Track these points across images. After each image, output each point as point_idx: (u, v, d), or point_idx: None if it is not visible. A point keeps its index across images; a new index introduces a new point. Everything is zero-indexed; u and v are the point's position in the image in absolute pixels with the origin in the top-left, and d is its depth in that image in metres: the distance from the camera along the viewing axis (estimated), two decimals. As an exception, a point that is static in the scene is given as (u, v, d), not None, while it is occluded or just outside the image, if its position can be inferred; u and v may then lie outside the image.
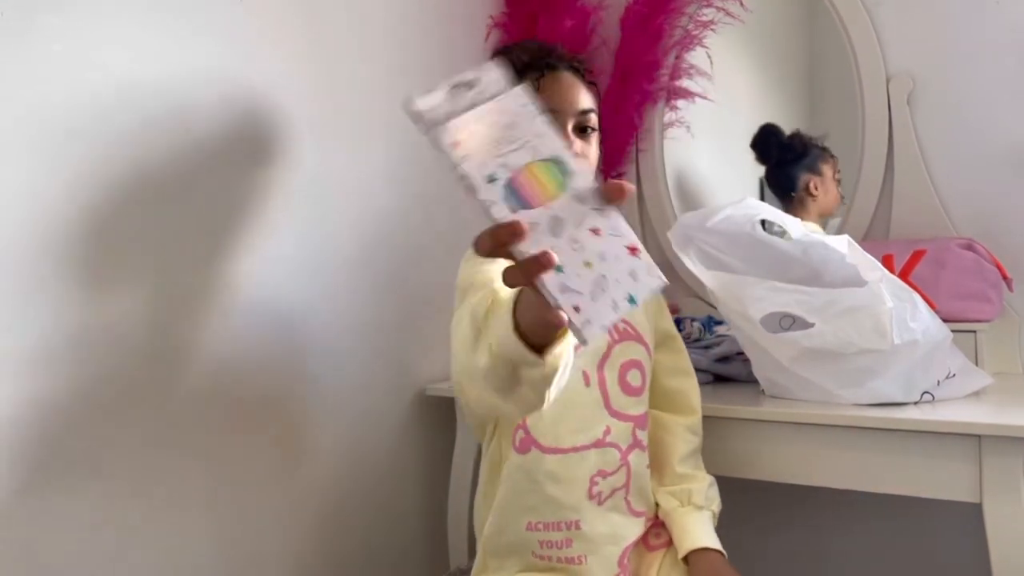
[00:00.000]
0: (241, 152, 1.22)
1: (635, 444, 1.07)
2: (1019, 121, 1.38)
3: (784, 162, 1.64)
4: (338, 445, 1.37)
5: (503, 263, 0.56)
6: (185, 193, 1.14)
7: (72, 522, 1.01)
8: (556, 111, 1.01)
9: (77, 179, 1.02)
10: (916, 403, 1.10)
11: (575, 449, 1.02)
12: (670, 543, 1.08)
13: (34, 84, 0.98)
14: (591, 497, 1.02)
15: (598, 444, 1.03)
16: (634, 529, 1.06)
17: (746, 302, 1.14)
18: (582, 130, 1.04)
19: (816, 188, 1.61)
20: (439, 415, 1.53)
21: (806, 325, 1.11)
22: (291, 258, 1.29)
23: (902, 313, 1.07)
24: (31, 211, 0.97)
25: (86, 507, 1.02)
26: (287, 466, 1.28)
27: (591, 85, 1.08)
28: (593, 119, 1.05)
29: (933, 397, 1.10)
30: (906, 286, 1.12)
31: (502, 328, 0.67)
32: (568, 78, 1.05)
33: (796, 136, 1.63)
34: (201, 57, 1.16)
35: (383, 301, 1.46)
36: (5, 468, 0.96)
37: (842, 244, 1.12)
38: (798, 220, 1.19)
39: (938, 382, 1.12)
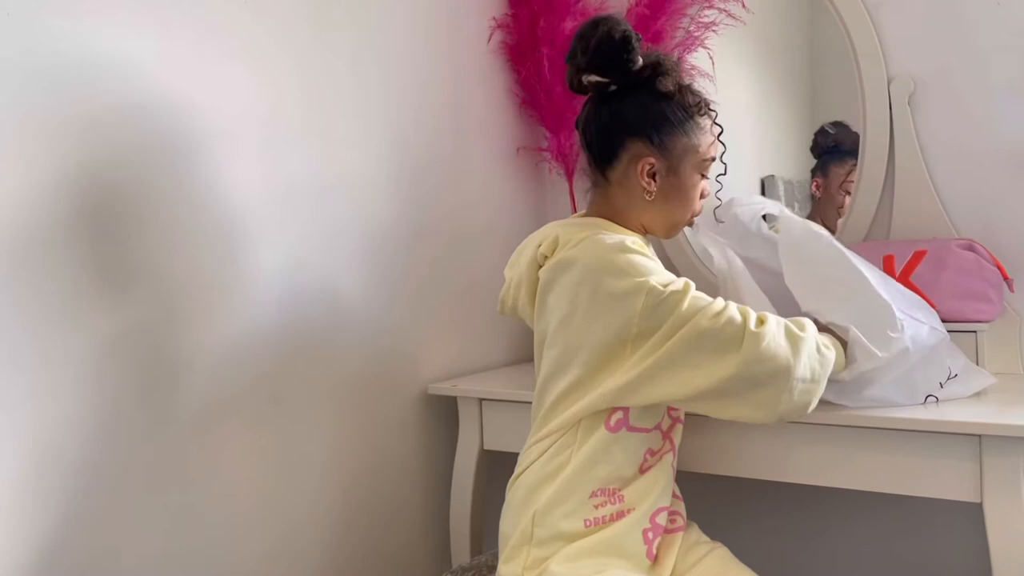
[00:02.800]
0: (243, 152, 1.23)
1: (675, 421, 1.13)
2: (1020, 122, 1.38)
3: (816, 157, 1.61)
4: (341, 443, 1.37)
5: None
6: (183, 194, 1.15)
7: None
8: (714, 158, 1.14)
9: (88, 179, 1.02)
10: (921, 405, 1.10)
11: (645, 430, 1.08)
12: (684, 527, 1.14)
13: (37, 86, 0.98)
14: (642, 471, 1.08)
15: (658, 427, 1.10)
16: (668, 494, 1.11)
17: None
18: None
19: (818, 189, 1.61)
20: (441, 414, 1.54)
21: None
22: (293, 258, 1.30)
23: (880, 327, 1.06)
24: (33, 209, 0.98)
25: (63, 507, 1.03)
26: (289, 464, 1.29)
27: None
28: None
29: (937, 399, 1.11)
30: (882, 295, 1.09)
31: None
32: None
33: (820, 132, 1.58)
34: (208, 58, 1.17)
35: (385, 300, 1.46)
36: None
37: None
38: (797, 218, 1.19)
39: (940, 384, 1.12)
